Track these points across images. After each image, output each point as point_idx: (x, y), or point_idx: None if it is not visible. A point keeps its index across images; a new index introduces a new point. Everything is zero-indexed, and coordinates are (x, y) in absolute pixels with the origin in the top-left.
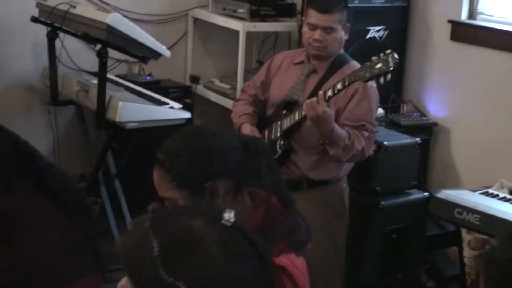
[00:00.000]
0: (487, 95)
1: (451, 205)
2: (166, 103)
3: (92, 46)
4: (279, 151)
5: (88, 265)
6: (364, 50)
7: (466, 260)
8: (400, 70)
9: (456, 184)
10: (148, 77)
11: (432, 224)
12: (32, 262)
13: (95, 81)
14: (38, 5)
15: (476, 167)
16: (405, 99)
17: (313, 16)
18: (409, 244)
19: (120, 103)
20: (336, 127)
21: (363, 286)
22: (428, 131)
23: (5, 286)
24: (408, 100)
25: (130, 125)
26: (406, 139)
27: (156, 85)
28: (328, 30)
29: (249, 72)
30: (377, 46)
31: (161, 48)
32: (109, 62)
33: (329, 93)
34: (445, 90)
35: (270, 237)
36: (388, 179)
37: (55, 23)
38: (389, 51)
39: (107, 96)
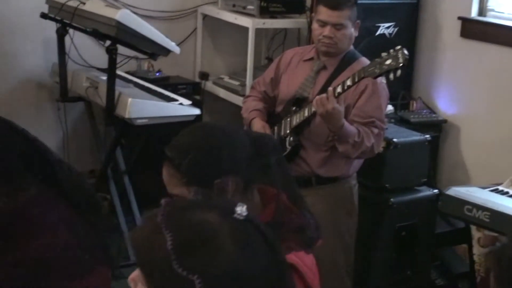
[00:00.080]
0: (497, 92)
1: (461, 202)
2: (175, 100)
3: (102, 42)
4: (289, 148)
5: (98, 261)
6: (374, 47)
7: (475, 258)
8: (409, 67)
9: (466, 181)
10: (157, 74)
11: (442, 221)
12: (41, 258)
13: (104, 77)
14: (48, 1)
15: (486, 164)
16: (414, 96)
17: (323, 13)
18: (419, 241)
19: (130, 99)
20: (346, 123)
21: (372, 283)
22: (437, 128)
23: (15, 282)
24: (417, 97)
25: (139, 122)
26: (415, 136)
27: (165, 82)
28: (338, 26)
29: (258, 69)
30: (386, 43)
31: (171, 45)
32: (119, 59)
33: (339, 89)
34: (455, 87)
35: (279, 234)
36: (397, 176)
37: (65, 19)
38: (399, 47)
39: (117, 93)
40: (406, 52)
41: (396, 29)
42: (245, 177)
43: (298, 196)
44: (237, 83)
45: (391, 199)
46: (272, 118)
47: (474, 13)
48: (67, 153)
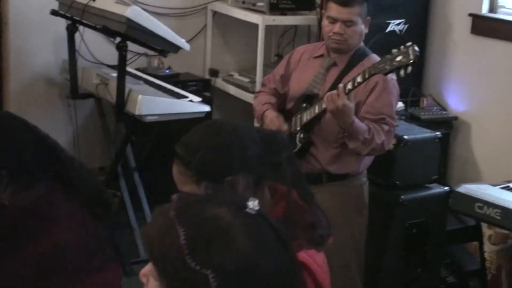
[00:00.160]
0: (508, 89)
1: (472, 200)
2: (185, 97)
3: (112, 39)
4: (299, 145)
5: (109, 258)
6: (384, 43)
7: (486, 255)
8: (420, 63)
9: (476, 178)
10: (167, 71)
11: (452, 218)
12: (52, 255)
13: (114, 74)
14: None
15: (497, 161)
16: (425, 93)
17: (333, 9)
18: (429, 238)
19: (140, 96)
20: (356, 120)
21: (382, 280)
22: (448, 125)
23: (26, 278)
24: (428, 94)
25: (149, 118)
26: (426, 133)
27: (175, 79)
28: (348, 23)
29: (268, 66)
30: (397, 40)
31: (181, 42)
32: (129, 55)
33: (349, 86)
34: (466, 84)
35: (290, 232)
36: (408, 173)
37: (75, 16)
38: (409, 43)
39: (127, 89)
40: (416, 48)
41: (406, 26)
42: (256, 174)
43: (309, 193)
44: (247, 80)
45: (402, 197)
46: (283, 114)
47: (484, 10)
48: (78, 150)
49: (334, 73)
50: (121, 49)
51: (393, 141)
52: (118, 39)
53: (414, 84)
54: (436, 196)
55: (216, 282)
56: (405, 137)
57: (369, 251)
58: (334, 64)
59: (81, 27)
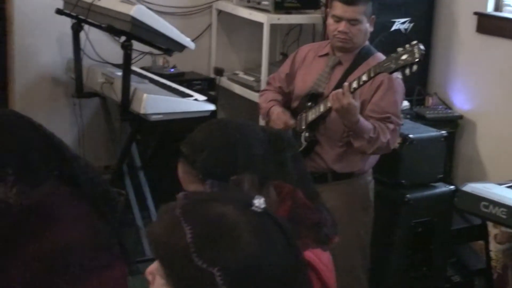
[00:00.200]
0: None
1: (477, 199)
2: (190, 95)
3: (117, 38)
4: (304, 143)
5: (114, 257)
6: (389, 42)
7: (492, 254)
8: (425, 62)
9: (482, 177)
10: (172, 69)
11: (458, 217)
12: (58, 254)
13: (119, 73)
14: None
15: (502, 160)
16: (430, 91)
17: (338, 8)
18: (435, 237)
19: (145, 95)
20: (361, 119)
21: (388, 280)
22: (453, 124)
23: (32, 278)
24: (433, 93)
25: (154, 117)
26: (431, 132)
27: (180, 77)
28: (353, 22)
29: (273, 65)
30: (402, 39)
31: (186, 40)
32: (134, 54)
33: (354, 84)
34: (471, 82)
35: (296, 231)
36: (413, 172)
37: (80, 15)
38: (414, 42)
39: (132, 88)
40: (422, 47)
41: (411, 25)
42: (261, 173)
43: (315, 192)
44: (252, 78)
45: (407, 195)
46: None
47: (490, 8)
48: (83, 149)
49: (339, 72)
50: (126, 48)
51: (399, 140)
52: (123, 38)
53: (419, 83)
54: (441, 195)
55: (223, 280)
56: (411, 136)
57: (375, 250)
58: (339, 63)
59: (86, 26)
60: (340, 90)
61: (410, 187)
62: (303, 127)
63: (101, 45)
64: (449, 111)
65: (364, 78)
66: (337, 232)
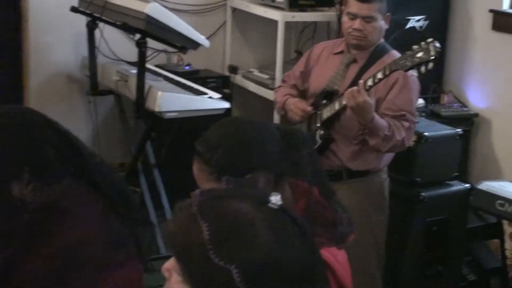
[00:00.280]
0: None
1: (493, 197)
2: (205, 93)
3: (131, 36)
4: (319, 141)
5: (130, 255)
6: (404, 40)
7: (507, 253)
8: (440, 60)
9: (497, 175)
10: (187, 67)
11: (473, 216)
12: (74, 251)
13: (134, 71)
14: None
15: None
16: (445, 89)
17: (353, 5)
18: (450, 236)
19: (159, 92)
20: (376, 117)
21: (403, 278)
22: (469, 122)
23: (48, 275)
24: (448, 91)
25: (169, 115)
26: (447, 130)
27: (194, 75)
28: (368, 19)
29: (287, 62)
30: (417, 36)
31: (200, 38)
32: (148, 52)
33: (370, 82)
34: (486, 80)
35: (311, 229)
36: (428, 170)
37: (95, 13)
38: (430, 39)
39: (146, 86)
40: (438, 45)
41: (426, 22)
42: (276, 171)
43: (330, 190)
44: (266, 76)
45: (422, 194)
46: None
47: (505, 6)
48: (98, 146)
49: (354, 69)
50: (141, 45)
51: (414, 137)
52: (137, 36)
53: (434, 81)
54: (456, 193)
55: (240, 277)
56: (426, 134)
57: (389, 248)
58: (354, 61)
59: (101, 24)
60: (355, 87)
61: (425, 185)
62: (318, 124)
63: (116, 43)
64: (465, 109)
65: (379, 75)
66: (352, 231)
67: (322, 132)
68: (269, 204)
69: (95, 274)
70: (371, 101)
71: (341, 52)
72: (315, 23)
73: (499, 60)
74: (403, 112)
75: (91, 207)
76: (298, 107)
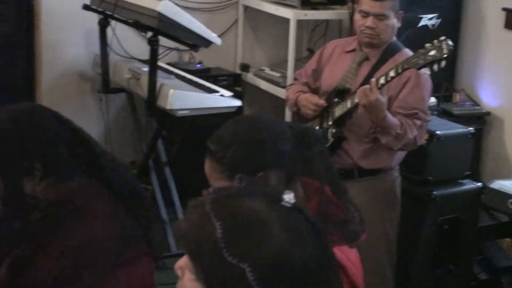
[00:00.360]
0: None
1: (505, 196)
2: (217, 91)
3: (143, 34)
4: (331, 139)
5: (142, 252)
6: (416, 38)
7: None
8: (453, 58)
9: (509, 174)
10: (198, 65)
11: (485, 214)
12: (86, 249)
13: (146, 69)
14: None
15: None
16: (457, 88)
17: (366, 3)
18: (462, 234)
19: (171, 90)
20: (388, 115)
21: (414, 276)
22: (481, 121)
23: (60, 271)
24: (461, 89)
25: (180, 113)
26: (459, 129)
27: (206, 73)
28: (380, 17)
29: (299, 61)
30: (429, 35)
31: (212, 36)
32: (160, 50)
33: (382, 80)
34: (499, 79)
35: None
36: (440, 169)
37: (107, 11)
38: (443, 38)
39: (158, 84)
40: (450, 43)
41: (438, 21)
42: (288, 170)
43: (342, 188)
44: (278, 74)
45: (434, 192)
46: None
47: None
48: (109, 144)
49: (366, 67)
50: (153, 43)
51: (426, 136)
52: (149, 34)
53: (446, 79)
54: (468, 192)
55: (253, 276)
56: (438, 132)
57: (401, 247)
58: (366, 59)
59: (113, 22)
60: (367, 86)
61: (437, 183)
62: (330, 123)
63: (128, 41)
64: (477, 107)
65: (392, 74)
66: (364, 229)
67: (334, 130)
68: (282, 202)
69: (107, 271)
70: (383, 99)
71: (354, 50)
72: (327, 21)
73: None
74: (415, 111)
75: (103, 204)
76: (310, 101)
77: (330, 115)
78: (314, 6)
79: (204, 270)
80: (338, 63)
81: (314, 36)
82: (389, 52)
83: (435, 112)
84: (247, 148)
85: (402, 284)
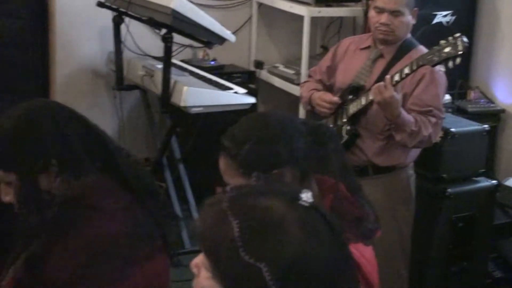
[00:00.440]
0: None
1: None
2: (231, 88)
3: (157, 31)
4: (345, 137)
5: (157, 249)
6: (430, 35)
7: None
8: (467, 56)
9: None
10: (212, 62)
11: (500, 212)
12: (101, 245)
13: (160, 66)
14: None
15: None
16: (472, 85)
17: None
18: (476, 232)
19: (185, 87)
20: (403, 112)
21: (428, 274)
22: (495, 118)
23: (75, 267)
24: (475, 87)
25: (194, 110)
26: (473, 126)
27: (220, 70)
28: (395, 13)
29: (313, 58)
30: (443, 32)
31: (226, 33)
32: (174, 47)
33: (396, 77)
34: None
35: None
36: (455, 166)
37: (121, 8)
38: (458, 34)
39: (172, 81)
40: (465, 39)
41: (453, 18)
42: (303, 167)
43: (357, 185)
44: (292, 72)
45: (448, 190)
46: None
47: None
48: (123, 141)
49: (381, 64)
50: (167, 40)
51: (440, 133)
52: (163, 31)
53: (461, 77)
54: (483, 190)
55: (270, 276)
56: (452, 129)
57: (415, 245)
58: (381, 56)
59: (127, 19)
60: (382, 83)
61: (452, 181)
62: (344, 120)
63: (142, 38)
64: (491, 105)
65: (407, 70)
66: (379, 227)
67: (348, 127)
68: (300, 202)
69: (122, 268)
70: (398, 96)
71: (368, 47)
72: (341, 18)
73: None
74: (430, 108)
75: (118, 200)
76: (324, 99)
77: (345, 112)
78: (328, 3)
79: (220, 269)
80: (352, 60)
81: (328, 33)
82: (404, 49)
83: (450, 110)
84: (261, 145)
85: (416, 281)
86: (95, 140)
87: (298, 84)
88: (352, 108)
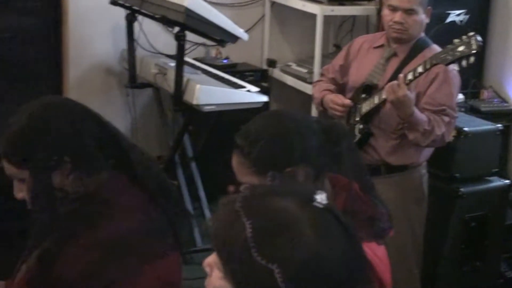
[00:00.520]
0: None
1: None
2: (243, 87)
3: (170, 29)
4: (358, 135)
5: (169, 247)
6: (443, 34)
7: None
8: (481, 55)
9: None
10: (225, 60)
11: None
12: (114, 242)
13: (173, 64)
14: None
15: None
16: (485, 84)
17: None
18: (489, 232)
19: (198, 85)
20: (416, 111)
21: (441, 274)
22: (509, 118)
23: (88, 264)
24: (489, 86)
25: (207, 108)
26: (487, 125)
27: (233, 69)
28: (409, 11)
29: (326, 56)
30: (457, 31)
31: (239, 32)
32: (187, 45)
33: (410, 76)
34: None
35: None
36: (468, 165)
37: (134, 6)
38: (471, 33)
39: (185, 79)
40: (479, 38)
41: (467, 17)
42: (316, 166)
43: (370, 184)
44: (304, 70)
45: (461, 189)
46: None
47: None
48: (135, 139)
49: (394, 63)
50: (180, 38)
51: (453, 133)
52: (176, 29)
53: (474, 76)
54: (496, 189)
55: (282, 277)
56: (466, 129)
57: (428, 244)
58: (395, 54)
59: (140, 17)
60: (395, 81)
61: (464, 180)
62: (357, 119)
63: (155, 36)
64: (505, 104)
65: (420, 69)
66: (392, 226)
67: (361, 126)
68: (315, 203)
69: (135, 265)
70: (411, 95)
71: (382, 46)
72: (354, 17)
73: None
74: (443, 107)
75: (131, 198)
76: (336, 102)
77: (358, 111)
78: (341, 2)
79: (233, 269)
80: (365, 58)
81: (341, 32)
82: (418, 48)
83: (463, 109)
84: (274, 143)
85: (429, 281)
86: (108, 137)
87: (310, 83)
88: (365, 107)
